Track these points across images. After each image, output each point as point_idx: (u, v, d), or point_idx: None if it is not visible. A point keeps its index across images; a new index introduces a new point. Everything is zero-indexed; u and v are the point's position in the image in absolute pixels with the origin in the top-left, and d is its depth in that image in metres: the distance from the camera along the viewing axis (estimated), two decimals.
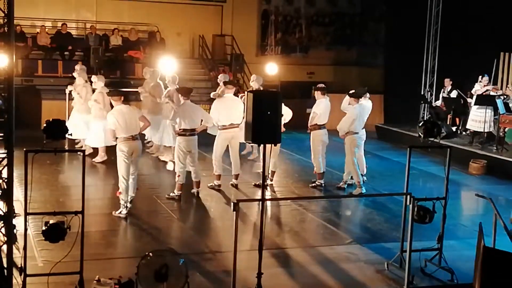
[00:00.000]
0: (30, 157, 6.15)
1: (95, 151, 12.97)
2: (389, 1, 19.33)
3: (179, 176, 10.37)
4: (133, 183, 9.50)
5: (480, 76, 15.30)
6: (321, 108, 11.36)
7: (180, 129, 10.36)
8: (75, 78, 13.64)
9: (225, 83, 12.15)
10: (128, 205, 9.44)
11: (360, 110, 11.21)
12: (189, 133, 10.33)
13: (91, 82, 13.14)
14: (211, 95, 13.69)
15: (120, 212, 9.33)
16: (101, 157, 12.81)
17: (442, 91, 16.78)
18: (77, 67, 13.87)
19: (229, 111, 11.13)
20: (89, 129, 12.98)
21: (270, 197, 10.93)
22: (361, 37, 22.57)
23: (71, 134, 12.71)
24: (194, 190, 10.71)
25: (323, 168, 11.59)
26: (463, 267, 7.61)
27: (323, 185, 11.56)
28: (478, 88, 15.21)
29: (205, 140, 12.26)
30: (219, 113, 11.09)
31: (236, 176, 11.51)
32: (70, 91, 13.73)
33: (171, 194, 10.46)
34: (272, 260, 7.85)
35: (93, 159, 12.76)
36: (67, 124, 7.50)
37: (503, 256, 6.06)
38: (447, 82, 16.50)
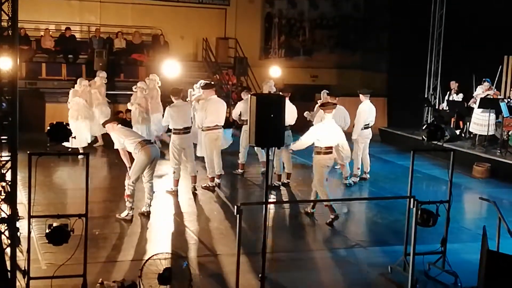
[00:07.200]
0: (34, 160, 6.16)
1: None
2: (393, 5, 19.30)
3: (174, 172, 10.81)
4: (151, 186, 9.60)
5: (483, 79, 15.23)
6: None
7: (174, 128, 10.69)
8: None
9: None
10: (149, 208, 9.61)
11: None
12: (183, 131, 10.65)
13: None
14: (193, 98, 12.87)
15: (126, 215, 9.36)
16: None
17: (448, 94, 16.71)
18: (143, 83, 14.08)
19: (216, 113, 11.26)
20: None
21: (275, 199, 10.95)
22: (365, 41, 22.54)
23: None
24: (191, 186, 11.04)
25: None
26: (467, 270, 7.58)
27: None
28: (480, 92, 15.13)
29: None
30: (206, 115, 11.14)
31: (219, 176, 11.64)
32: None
33: (169, 189, 10.88)
34: (276, 263, 7.83)
35: None
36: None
37: (507, 260, 6.05)
38: (453, 85, 16.43)
